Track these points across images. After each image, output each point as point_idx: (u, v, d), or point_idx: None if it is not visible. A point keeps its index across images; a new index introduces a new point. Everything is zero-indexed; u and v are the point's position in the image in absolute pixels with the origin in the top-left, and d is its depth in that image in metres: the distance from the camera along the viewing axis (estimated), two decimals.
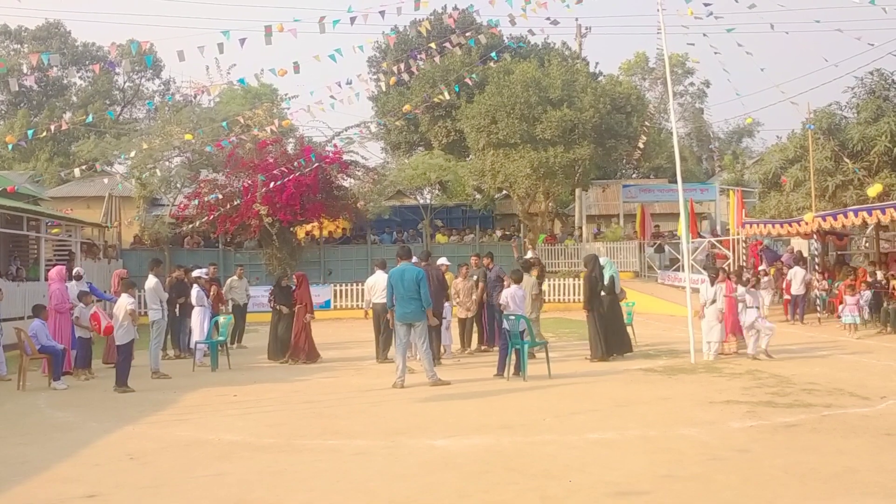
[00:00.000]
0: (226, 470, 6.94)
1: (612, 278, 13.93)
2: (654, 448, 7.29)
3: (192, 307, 15.33)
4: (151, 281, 13.18)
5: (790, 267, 20.92)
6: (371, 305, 14.37)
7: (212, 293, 15.98)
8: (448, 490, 6.17)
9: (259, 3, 58.70)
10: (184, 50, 14.25)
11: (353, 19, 14.21)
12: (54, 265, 16.00)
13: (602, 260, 14.30)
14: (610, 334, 13.67)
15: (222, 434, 8.36)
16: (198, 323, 14.81)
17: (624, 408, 9.38)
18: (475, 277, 14.99)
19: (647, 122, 24.36)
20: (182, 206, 27.44)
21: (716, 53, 15.58)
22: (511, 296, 12.29)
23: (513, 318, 11.87)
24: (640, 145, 24.80)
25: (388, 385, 11.25)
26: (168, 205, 29.88)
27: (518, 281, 12.63)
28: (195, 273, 16.21)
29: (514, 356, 11.74)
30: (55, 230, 23.27)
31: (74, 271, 14.99)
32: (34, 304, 13.85)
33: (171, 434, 8.49)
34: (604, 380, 11.59)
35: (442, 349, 13.89)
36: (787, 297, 20.23)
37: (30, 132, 19.07)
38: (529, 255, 16.74)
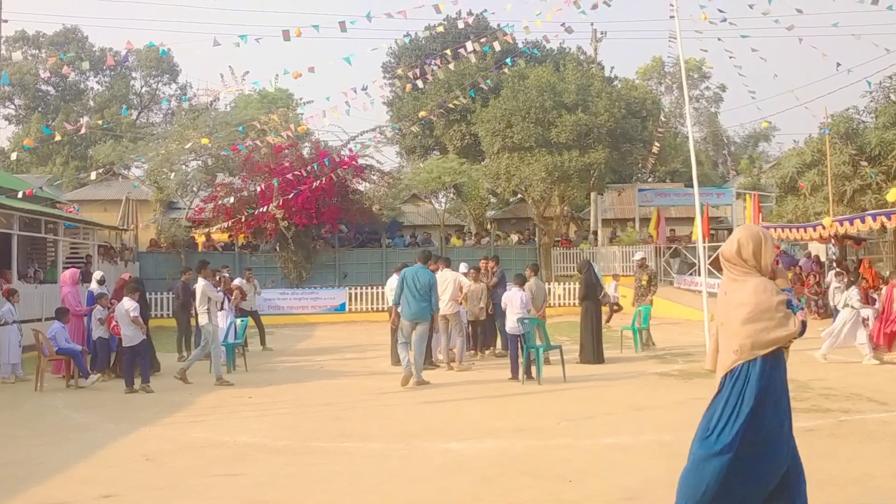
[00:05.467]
0: (240, 472, 6.97)
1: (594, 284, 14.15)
2: (669, 453, 7.23)
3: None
4: (200, 283, 12.71)
5: (810, 271, 20.79)
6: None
7: (234, 297, 16.01)
8: (462, 493, 6.16)
9: (276, 9, 58.97)
10: (201, 53, 14.36)
11: (370, 20, 14.29)
12: (71, 268, 16.11)
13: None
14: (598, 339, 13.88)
15: (237, 436, 8.39)
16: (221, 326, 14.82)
17: (639, 412, 9.34)
18: (490, 281, 14.97)
19: (660, 129, 24.25)
20: (199, 209, 27.62)
21: (731, 57, 15.52)
22: (510, 298, 12.34)
23: (527, 321, 11.88)
24: (654, 151, 24.70)
25: (402, 386, 11.32)
26: (185, 208, 30.08)
27: (520, 284, 12.65)
28: (217, 277, 16.30)
29: (528, 359, 11.76)
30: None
31: (99, 276, 14.94)
32: (52, 306, 13.97)
33: (186, 435, 8.53)
34: (619, 384, 11.55)
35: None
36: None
37: (45, 130, 19.23)
38: (639, 255, 17.06)
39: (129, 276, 16.29)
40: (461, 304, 14.14)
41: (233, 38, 14.86)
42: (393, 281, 14.40)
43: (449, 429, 8.60)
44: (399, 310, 11.88)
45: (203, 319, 12.58)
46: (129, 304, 11.94)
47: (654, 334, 16.14)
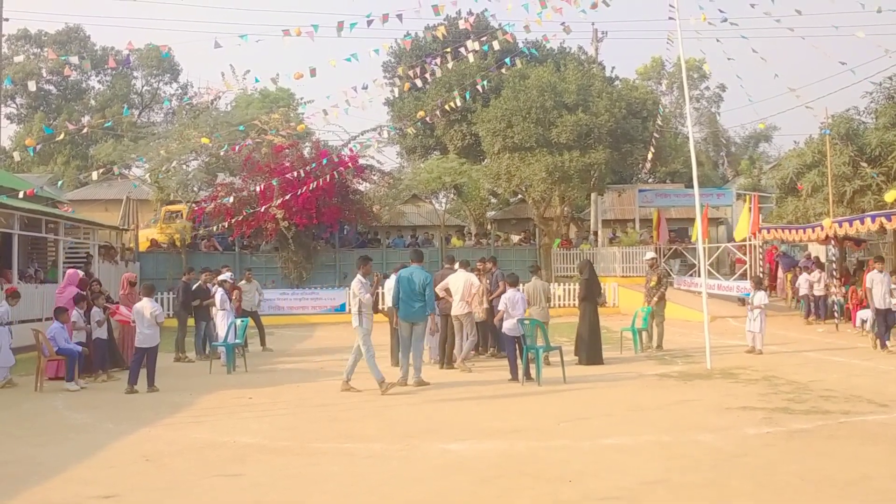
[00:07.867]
0: (240, 472, 6.98)
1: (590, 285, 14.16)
2: (668, 454, 7.26)
3: (209, 310, 15.47)
4: (355, 280, 11.50)
5: (810, 271, 20.80)
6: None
7: (234, 297, 16.01)
8: (462, 494, 6.17)
9: (277, 8, 58.98)
10: (202, 52, 14.35)
11: (369, 22, 14.28)
12: (70, 268, 16.14)
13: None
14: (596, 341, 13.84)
15: (237, 436, 8.40)
16: (222, 326, 14.83)
17: (638, 413, 9.35)
18: (488, 282, 14.97)
19: (656, 133, 24.25)
20: (199, 209, 27.62)
21: (729, 59, 15.51)
22: (509, 299, 12.31)
23: (527, 322, 11.88)
24: (649, 157, 24.66)
25: (401, 388, 11.35)
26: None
27: (513, 284, 12.62)
28: (220, 277, 16.31)
29: (527, 360, 11.76)
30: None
31: (81, 275, 14.93)
32: (52, 306, 13.96)
33: (186, 436, 8.54)
34: (618, 385, 11.56)
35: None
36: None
37: (47, 129, 19.22)
38: (649, 255, 17.05)
39: (135, 277, 16.34)
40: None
41: (234, 38, 14.85)
42: (391, 282, 14.40)
43: (448, 430, 8.61)
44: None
45: (354, 321, 11.34)
46: (152, 307, 11.91)
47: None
